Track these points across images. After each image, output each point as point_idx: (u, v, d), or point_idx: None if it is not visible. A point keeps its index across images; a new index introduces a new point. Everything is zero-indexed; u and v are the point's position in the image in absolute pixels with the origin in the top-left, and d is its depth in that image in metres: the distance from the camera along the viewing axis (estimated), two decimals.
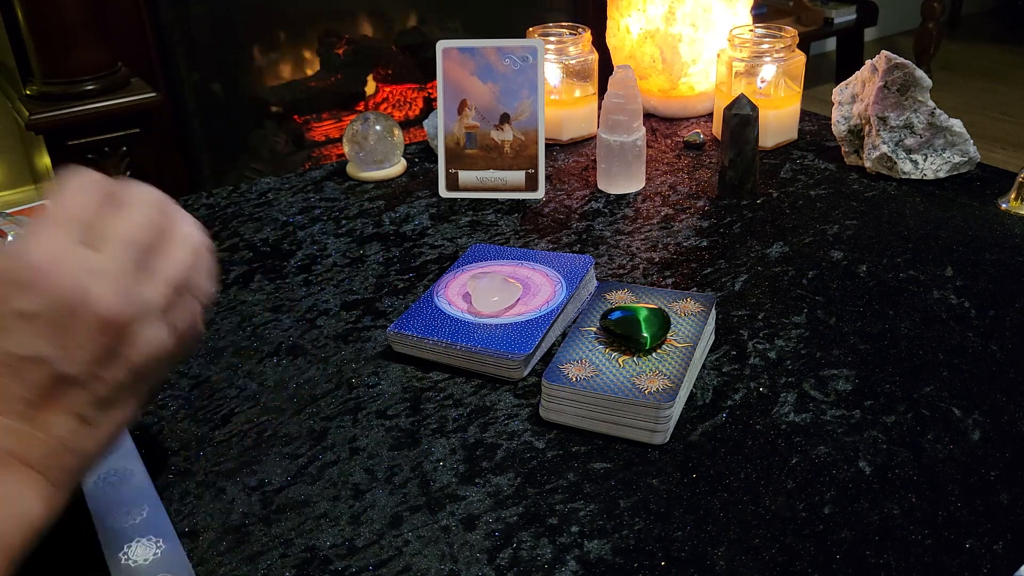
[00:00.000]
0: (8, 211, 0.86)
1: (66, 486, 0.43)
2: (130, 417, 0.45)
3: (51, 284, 0.40)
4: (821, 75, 3.51)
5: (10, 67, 1.89)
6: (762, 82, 1.05)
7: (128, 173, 1.79)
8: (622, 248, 0.85)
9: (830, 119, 1.02)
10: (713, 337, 0.69)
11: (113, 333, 0.42)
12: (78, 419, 0.42)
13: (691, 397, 0.63)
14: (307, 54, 2.42)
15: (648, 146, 1.05)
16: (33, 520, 0.41)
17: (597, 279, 0.79)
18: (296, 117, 2.38)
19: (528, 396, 0.64)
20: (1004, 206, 0.89)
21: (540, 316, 0.69)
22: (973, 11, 4.38)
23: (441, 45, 0.96)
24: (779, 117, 1.06)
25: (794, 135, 1.09)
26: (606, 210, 0.93)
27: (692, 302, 0.68)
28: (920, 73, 0.93)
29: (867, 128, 0.97)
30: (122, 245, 0.43)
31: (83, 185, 0.44)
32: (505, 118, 0.96)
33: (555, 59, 1.09)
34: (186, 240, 0.47)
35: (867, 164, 0.97)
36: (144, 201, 0.45)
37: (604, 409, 0.59)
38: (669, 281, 0.79)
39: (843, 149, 1.01)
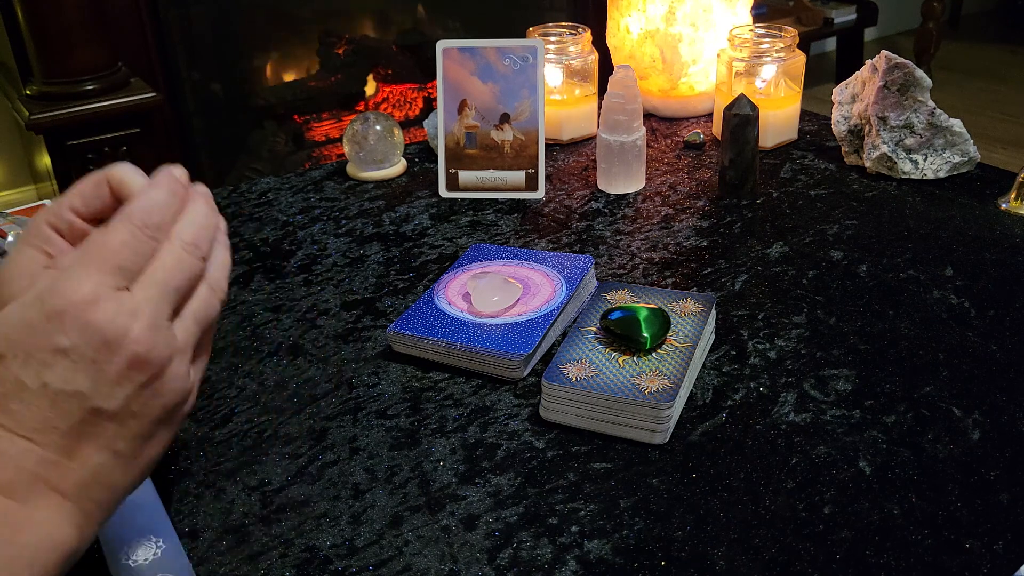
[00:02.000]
0: (8, 211, 0.86)
1: (96, 518, 0.44)
2: (160, 453, 0.47)
3: (90, 322, 0.42)
4: (821, 75, 3.51)
5: (10, 67, 1.89)
6: (762, 82, 1.05)
7: None
8: (622, 248, 0.85)
9: (830, 119, 1.02)
10: (713, 337, 0.69)
11: (147, 372, 0.44)
12: (111, 453, 0.44)
13: (691, 397, 0.63)
14: (307, 54, 2.42)
15: (648, 146, 1.06)
16: (66, 547, 0.42)
17: (597, 279, 0.79)
18: (296, 117, 2.38)
19: (528, 396, 0.64)
20: (1004, 206, 0.89)
21: (540, 316, 0.69)
22: (973, 11, 4.38)
23: (441, 45, 0.96)
24: (779, 117, 1.06)
25: (794, 135, 1.09)
26: (606, 210, 0.93)
27: (692, 302, 0.68)
28: (920, 73, 0.93)
29: (867, 128, 0.97)
30: (159, 288, 0.45)
31: (138, 231, 0.45)
32: (505, 118, 0.96)
33: (556, 59, 1.09)
34: (217, 285, 0.49)
35: (867, 164, 0.97)
36: (176, 241, 0.46)
37: (604, 409, 0.59)
38: (669, 281, 0.79)
39: (843, 149, 1.01)
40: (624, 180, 0.96)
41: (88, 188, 0.49)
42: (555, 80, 1.10)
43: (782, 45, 1.05)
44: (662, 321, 0.64)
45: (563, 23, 1.13)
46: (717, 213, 0.91)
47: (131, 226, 0.45)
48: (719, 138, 1.07)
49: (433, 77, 1.34)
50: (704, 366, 0.67)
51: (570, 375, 0.61)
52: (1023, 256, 0.80)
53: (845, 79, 1.01)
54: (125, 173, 0.48)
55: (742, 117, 0.90)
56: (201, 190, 0.50)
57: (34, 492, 0.42)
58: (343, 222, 0.93)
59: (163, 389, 0.45)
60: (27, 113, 1.70)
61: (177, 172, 0.48)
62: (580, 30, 1.11)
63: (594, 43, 1.13)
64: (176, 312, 0.46)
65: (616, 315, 0.65)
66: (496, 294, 0.70)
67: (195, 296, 0.48)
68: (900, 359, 0.67)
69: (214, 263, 0.49)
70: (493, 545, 0.51)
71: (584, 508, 0.54)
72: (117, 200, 0.48)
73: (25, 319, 0.42)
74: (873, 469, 0.56)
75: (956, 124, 0.95)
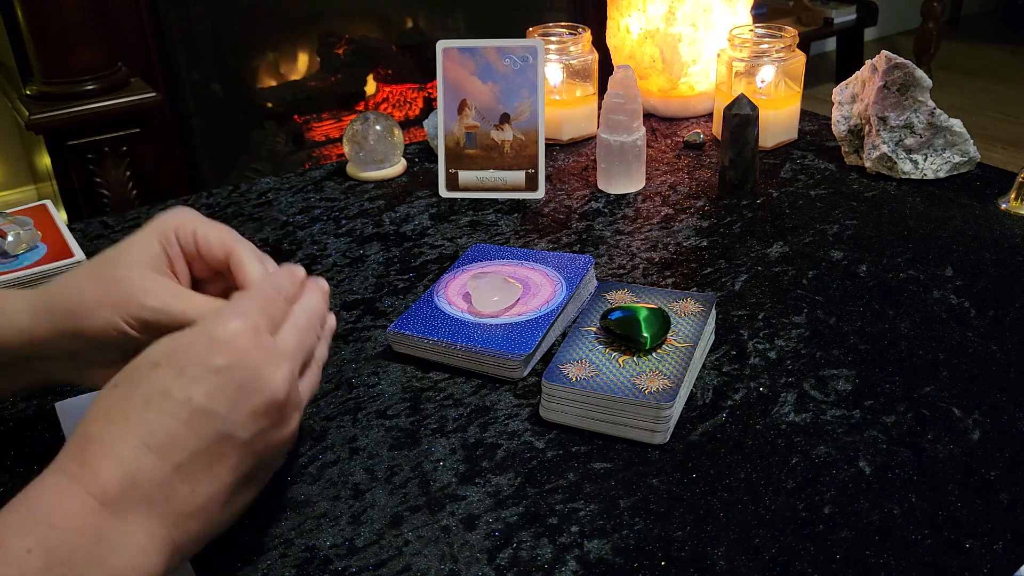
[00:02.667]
0: (8, 211, 0.86)
1: (183, 552, 0.44)
2: (250, 502, 0.48)
3: (244, 350, 0.45)
4: (821, 75, 3.51)
5: (10, 67, 1.89)
6: (762, 82, 1.05)
7: (128, 173, 1.79)
8: (622, 248, 0.85)
9: (830, 119, 1.02)
10: (713, 337, 0.69)
11: (276, 417, 0.46)
12: (222, 485, 0.45)
13: (691, 397, 0.63)
14: (307, 54, 2.42)
15: (648, 146, 1.06)
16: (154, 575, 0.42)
17: (597, 279, 0.79)
18: (296, 117, 2.38)
19: (528, 396, 0.64)
20: (1004, 206, 0.89)
21: (540, 316, 0.69)
22: (973, 11, 4.38)
23: (441, 45, 0.96)
24: (779, 117, 1.06)
25: (794, 135, 1.09)
26: (606, 210, 0.93)
27: (692, 302, 0.68)
28: (920, 73, 0.93)
29: (867, 128, 0.97)
30: (296, 346, 0.49)
31: (275, 295, 0.50)
32: (505, 118, 0.96)
33: (556, 59, 1.09)
34: (328, 337, 0.55)
35: (867, 164, 0.97)
36: (311, 308, 0.52)
37: (604, 409, 0.59)
38: (669, 281, 0.79)
39: (843, 149, 1.01)
40: (624, 180, 0.96)
41: (214, 242, 0.54)
42: (555, 80, 1.10)
43: (782, 45, 1.05)
44: (662, 321, 0.64)
45: (563, 23, 1.13)
46: (717, 213, 0.91)
47: (271, 289, 0.50)
48: (719, 138, 1.07)
49: (433, 77, 1.34)
50: (704, 366, 0.67)
51: (570, 375, 0.61)
52: (1023, 256, 0.80)
53: (845, 79, 1.01)
54: (247, 255, 0.54)
55: (742, 117, 0.90)
56: (320, 284, 0.54)
57: (137, 511, 0.42)
58: (343, 222, 0.93)
59: (281, 438, 0.47)
60: (27, 113, 1.70)
61: (297, 269, 0.53)
62: (580, 30, 1.11)
63: (594, 43, 1.13)
64: (302, 372, 0.51)
65: (616, 315, 0.65)
66: (496, 294, 0.70)
67: (307, 373, 0.52)
68: (900, 359, 0.67)
69: (319, 350, 0.54)
70: (493, 545, 0.51)
71: (584, 508, 0.54)
72: (220, 265, 0.54)
73: (190, 339, 0.45)
74: (873, 469, 0.56)
75: (956, 124, 0.95)
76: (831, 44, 3.75)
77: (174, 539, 0.43)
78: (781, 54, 1.05)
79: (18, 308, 0.52)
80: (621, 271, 0.81)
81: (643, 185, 0.98)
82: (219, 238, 0.54)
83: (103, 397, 0.44)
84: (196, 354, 0.44)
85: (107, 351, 0.52)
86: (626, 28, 1.16)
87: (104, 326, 0.51)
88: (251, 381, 0.45)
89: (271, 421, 0.46)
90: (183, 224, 0.54)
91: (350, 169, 1.04)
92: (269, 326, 0.48)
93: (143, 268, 0.52)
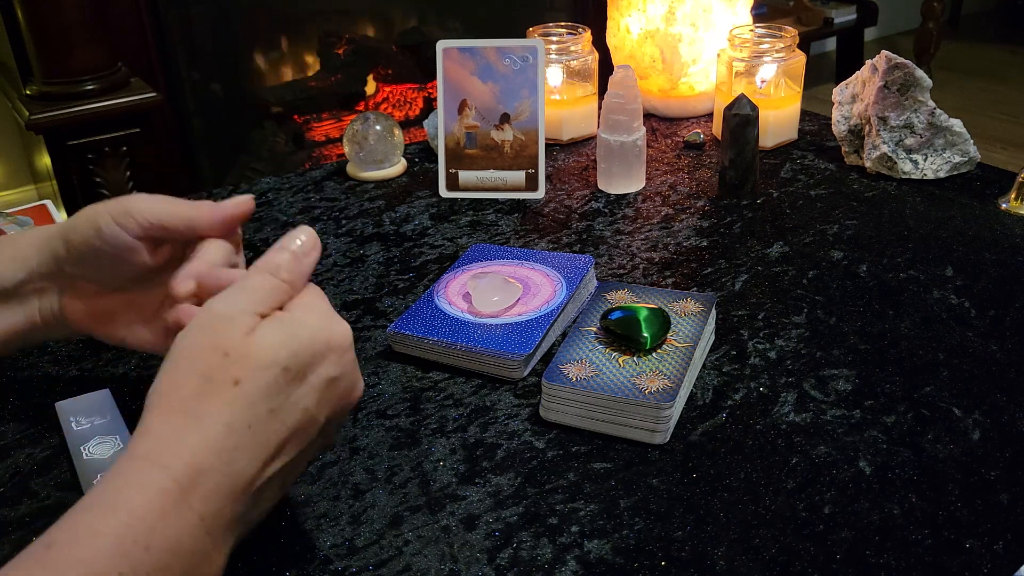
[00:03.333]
0: (8, 211, 0.86)
1: (224, 554, 0.44)
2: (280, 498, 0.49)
3: (349, 358, 0.47)
4: (821, 75, 3.51)
5: (10, 67, 1.89)
6: (762, 82, 1.05)
7: (128, 173, 1.79)
8: (622, 248, 0.85)
9: (830, 119, 1.02)
10: (713, 337, 0.69)
11: (348, 413, 0.49)
12: (279, 487, 0.46)
13: (691, 397, 0.63)
14: (307, 54, 2.41)
15: (648, 146, 1.05)
16: None
17: (597, 279, 0.79)
18: (296, 117, 2.38)
19: (528, 396, 0.64)
20: (1004, 206, 0.89)
21: (540, 316, 0.69)
22: (973, 11, 4.38)
23: (441, 45, 0.96)
24: (779, 117, 1.06)
25: (794, 135, 1.09)
26: (606, 210, 0.93)
27: (692, 302, 0.68)
28: (920, 73, 0.93)
29: (867, 128, 0.97)
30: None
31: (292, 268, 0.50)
32: (505, 118, 0.96)
33: (556, 59, 1.09)
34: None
35: (867, 164, 0.97)
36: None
37: (604, 409, 0.59)
38: (669, 281, 0.79)
39: (843, 149, 1.01)
40: (624, 180, 0.96)
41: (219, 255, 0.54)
42: (555, 80, 1.10)
43: (782, 45, 1.05)
44: (662, 321, 0.64)
45: (563, 23, 1.13)
46: (717, 213, 0.91)
47: (300, 271, 0.50)
48: (719, 138, 1.07)
49: (433, 77, 1.34)
50: (704, 366, 0.67)
51: (570, 375, 0.61)
52: (1023, 256, 0.80)
53: (845, 79, 1.01)
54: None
55: (742, 117, 0.90)
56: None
57: (227, 537, 0.42)
58: (343, 222, 0.93)
59: (337, 433, 0.51)
60: (27, 113, 1.70)
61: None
62: (580, 30, 1.11)
63: (594, 43, 1.13)
64: None
65: (616, 315, 0.65)
66: (496, 294, 0.70)
67: None
68: (900, 359, 0.67)
69: None
70: (493, 545, 0.51)
71: (584, 508, 0.54)
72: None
73: (309, 342, 0.45)
74: (873, 469, 0.56)
75: (956, 124, 0.95)
76: (831, 44, 3.75)
77: (228, 550, 0.43)
78: (781, 54, 1.05)
79: (28, 243, 0.56)
80: (621, 271, 0.81)
81: (643, 185, 0.98)
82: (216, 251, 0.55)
83: (222, 394, 0.42)
84: (316, 364, 0.45)
85: (95, 264, 0.54)
86: (626, 28, 1.16)
87: (95, 224, 0.52)
88: (352, 387, 0.48)
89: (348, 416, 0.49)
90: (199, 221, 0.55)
91: (350, 169, 1.04)
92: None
93: (138, 196, 0.54)
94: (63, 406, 0.63)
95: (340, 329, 0.47)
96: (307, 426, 0.44)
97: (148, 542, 0.38)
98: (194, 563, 0.40)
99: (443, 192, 0.98)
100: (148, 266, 0.55)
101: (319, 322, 0.46)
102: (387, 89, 2.49)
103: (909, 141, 0.95)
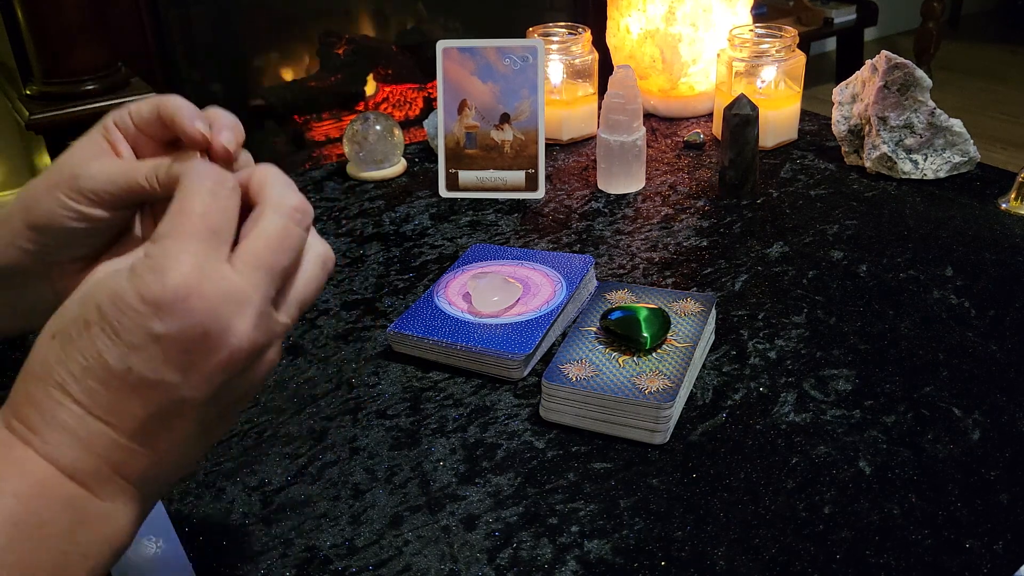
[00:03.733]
0: None
1: (152, 502, 0.42)
2: (223, 435, 0.44)
3: (190, 310, 0.37)
4: (821, 75, 3.50)
5: (10, 67, 1.89)
6: (762, 82, 1.05)
7: None
8: (622, 248, 0.85)
9: (830, 119, 1.02)
10: (713, 337, 0.69)
11: (243, 364, 0.40)
12: (184, 439, 0.40)
13: (691, 397, 0.63)
14: (307, 54, 2.42)
15: (648, 146, 1.06)
16: (120, 542, 0.40)
17: (597, 279, 0.79)
18: (296, 117, 2.38)
19: (528, 396, 0.64)
20: (1004, 206, 0.89)
21: (540, 316, 0.69)
22: (973, 11, 4.37)
23: (441, 45, 0.96)
24: (779, 117, 1.06)
25: (794, 135, 1.09)
26: (606, 210, 0.93)
27: (692, 302, 0.68)
28: (920, 73, 0.93)
29: (867, 128, 0.97)
30: (263, 270, 0.40)
31: (217, 187, 0.41)
32: (505, 118, 0.96)
33: (558, 59, 1.09)
34: (317, 258, 0.44)
35: (867, 164, 0.97)
36: (279, 210, 0.42)
37: (604, 409, 0.59)
38: (669, 281, 0.79)
39: (843, 149, 1.01)
40: (624, 180, 0.96)
41: (145, 109, 0.46)
42: (555, 80, 1.10)
43: (782, 45, 1.05)
44: (662, 321, 0.64)
45: (563, 23, 1.13)
46: (717, 213, 0.91)
47: (224, 193, 0.41)
48: (719, 138, 1.07)
49: (433, 77, 1.34)
50: (704, 366, 0.67)
51: (570, 375, 0.61)
52: (1023, 256, 0.80)
53: (845, 79, 1.01)
54: (179, 107, 0.45)
55: (742, 117, 0.90)
56: (271, 169, 0.46)
57: (102, 480, 0.39)
58: (343, 222, 0.93)
59: (254, 377, 0.41)
60: (27, 113, 1.70)
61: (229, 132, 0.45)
62: (580, 30, 1.11)
63: (594, 43, 1.13)
64: (281, 293, 0.42)
65: (616, 315, 0.65)
66: (496, 294, 0.70)
67: (300, 274, 0.43)
68: (900, 359, 0.67)
69: (311, 230, 0.44)
70: (493, 545, 0.51)
71: (584, 508, 0.54)
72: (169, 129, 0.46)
73: (118, 292, 0.38)
74: (873, 469, 0.56)
75: (956, 124, 0.95)
76: (831, 44, 3.75)
77: (140, 501, 0.41)
78: (781, 54, 1.05)
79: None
80: (621, 271, 0.81)
81: (643, 185, 0.98)
82: (150, 103, 0.47)
83: (41, 346, 0.39)
84: (128, 316, 0.38)
85: (68, 243, 0.48)
86: (626, 28, 1.16)
87: (51, 207, 0.46)
88: (201, 342, 0.38)
89: (233, 372, 0.40)
90: (119, 110, 0.48)
91: (350, 169, 1.04)
92: (217, 244, 0.39)
93: (83, 154, 0.47)
94: None
95: (156, 274, 0.38)
96: (151, 388, 0.39)
97: None
98: (53, 514, 0.37)
99: (443, 192, 0.98)
100: (127, 217, 0.48)
101: (136, 269, 0.39)
102: (387, 89, 2.49)
103: (909, 141, 0.95)
